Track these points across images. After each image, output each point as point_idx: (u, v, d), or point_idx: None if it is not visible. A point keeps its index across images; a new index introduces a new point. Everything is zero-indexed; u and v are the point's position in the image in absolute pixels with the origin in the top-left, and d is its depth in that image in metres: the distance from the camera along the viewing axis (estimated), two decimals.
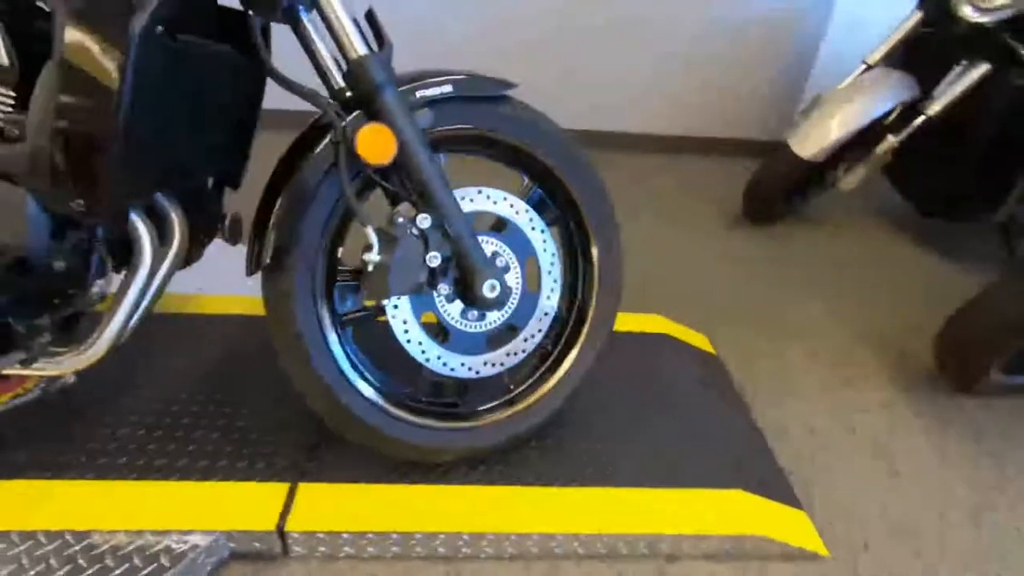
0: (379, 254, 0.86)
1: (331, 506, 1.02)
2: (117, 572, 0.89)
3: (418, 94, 0.91)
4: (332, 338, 0.96)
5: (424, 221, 0.91)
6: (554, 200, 1.10)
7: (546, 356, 1.17)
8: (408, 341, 0.99)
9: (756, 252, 2.24)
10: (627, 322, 1.57)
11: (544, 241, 1.06)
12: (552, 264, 1.08)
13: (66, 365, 0.92)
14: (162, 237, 0.92)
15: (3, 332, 0.92)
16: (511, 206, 1.03)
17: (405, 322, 0.98)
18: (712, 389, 1.43)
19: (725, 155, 3.15)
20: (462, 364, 1.04)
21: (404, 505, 1.04)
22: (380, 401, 1.00)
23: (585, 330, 1.13)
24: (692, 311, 1.81)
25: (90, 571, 0.89)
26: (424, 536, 1.01)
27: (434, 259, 0.93)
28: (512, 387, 1.14)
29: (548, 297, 1.08)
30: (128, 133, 0.73)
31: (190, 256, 1.04)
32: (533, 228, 1.05)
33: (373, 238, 0.86)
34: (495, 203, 1.02)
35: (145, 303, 0.96)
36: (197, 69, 0.83)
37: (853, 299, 1.98)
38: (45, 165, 0.73)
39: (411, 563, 1.02)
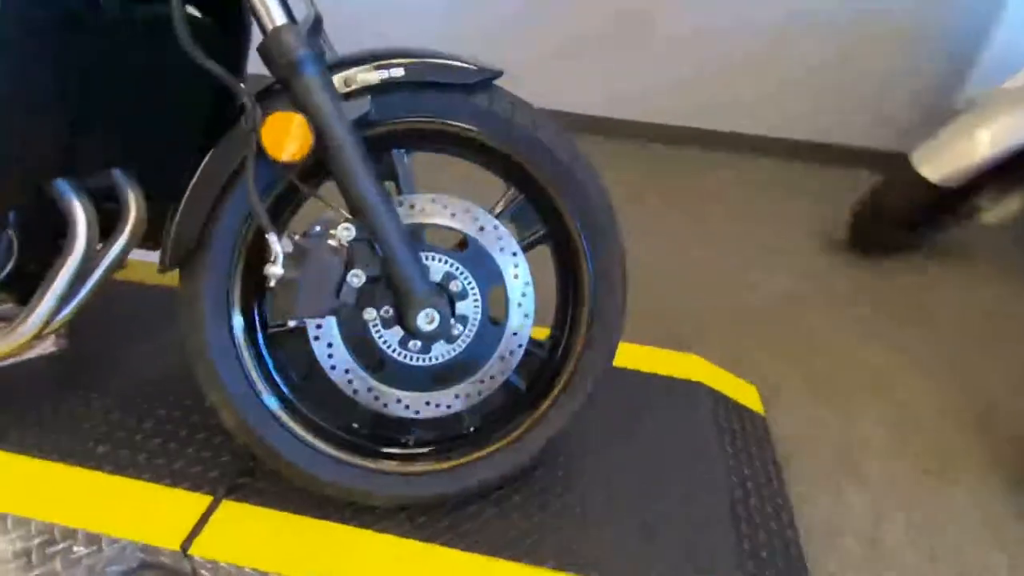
0: (284, 268, 0.72)
1: (246, 534, 0.92)
2: (11, 566, 0.85)
3: (359, 78, 0.76)
4: (246, 352, 0.84)
5: (346, 232, 0.76)
6: (541, 212, 0.90)
7: (518, 396, 0.98)
8: (332, 368, 0.85)
9: (852, 290, 1.84)
10: (656, 360, 1.33)
11: (516, 266, 0.87)
12: (524, 295, 0.88)
13: None
14: (118, 217, 0.86)
15: None
16: (475, 220, 0.84)
17: (330, 345, 0.84)
18: (743, 462, 1.15)
19: (848, 166, 2.67)
20: (398, 401, 0.88)
21: (328, 548, 0.91)
22: (296, 428, 0.87)
23: (569, 368, 0.93)
24: (751, 355, 1.51)
25: None
26: None
27: (356, 278, 0.77)
28: (471, 428, 0.97)
29: (515, 332, 0.89)
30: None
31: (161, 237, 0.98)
32: (502, 249, 0.86)
33: (276, 248, 0.72)
34: (453, 215, 0.84)
35: (87, 287, 0.90)
36: (112, 31, 0.73)
37: (971, 367, 1.55)
38: None
39: None
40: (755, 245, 2.03)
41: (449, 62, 0.79)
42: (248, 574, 0.89)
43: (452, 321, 0.84)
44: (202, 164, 0.77)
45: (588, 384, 0.93)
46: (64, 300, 0.89)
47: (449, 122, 0.80)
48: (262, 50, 0.70)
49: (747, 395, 1.35)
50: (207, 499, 0.96)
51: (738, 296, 1.75)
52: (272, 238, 0.72)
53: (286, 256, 0.72)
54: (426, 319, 0.79)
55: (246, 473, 1.01)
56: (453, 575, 0.89)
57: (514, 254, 0.86)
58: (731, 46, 2.58)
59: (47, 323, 0.90)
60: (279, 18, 0.69)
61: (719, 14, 2.53)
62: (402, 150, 0.87)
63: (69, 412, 1.09)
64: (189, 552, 0.90)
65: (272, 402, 0.87)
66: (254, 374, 0.85)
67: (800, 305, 1.74)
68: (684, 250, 1.96)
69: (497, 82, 0.83)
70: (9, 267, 0.83)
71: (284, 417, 0.87)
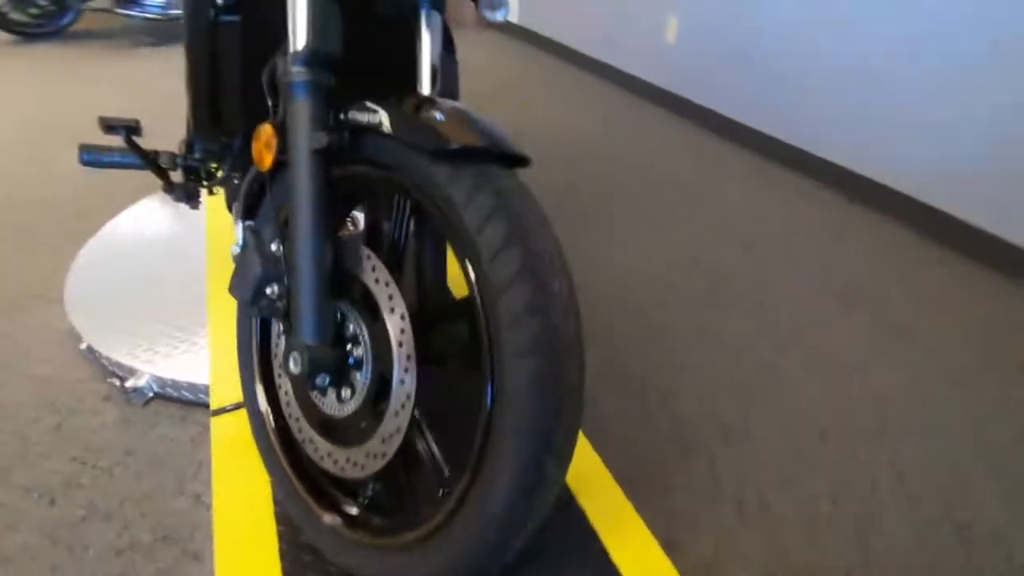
0: (237, 249, 0.82)
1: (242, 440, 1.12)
2: None
3: (351, 114, 0.74)
4: (253, 320, 0.98)
5: (275, 245, 0.78)
6: None
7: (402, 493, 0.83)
8: (275, 355, 0.92)
9: None
10: None
11: (406, 370, 0.71)
12: (403, 406, 0.72)
13: None
14: None
15: None
16: (389, 299, 0.72)
17: (279, 336, 0.91)
18: None
19: None
20: (296, 420, 0.88)
21: (255, 512, 0.99)
22: (268, 414, 0.96)
23: (459, 490, 0.70)
24: None
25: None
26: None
27: (271, 290, 0.80)
28: (363, 500, 0.88)
29: (384, 440, 0.74)
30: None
31: None
32: (400, 344, 0.71)
33: (238, 234, 0.82)
34: (376, 281, 0.74)
35: None
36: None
37: None
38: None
39: None
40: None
41: (436, 126, 0.67)
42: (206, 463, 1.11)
43: (326, 379, 0.77)
44: None
45: (492, 522, 0.67)
46: None
47: (396, 179, 0.70)
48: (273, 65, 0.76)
49: None
50: None
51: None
52: (237, 224, 0.82)
53: (243, 241, 0.82)
54: (293, 361, 0.76)
55: None
56: None
57: (408, 357, 0.71)
58: None
59: None
60: (301, 39, 0.74)
61: None
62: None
63: None
64: (212, 418, 1.18)
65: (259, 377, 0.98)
66: (252, 345, 0.98)
67: None
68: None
69: None
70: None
71: (261, 397, 0.98)
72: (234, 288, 0.82)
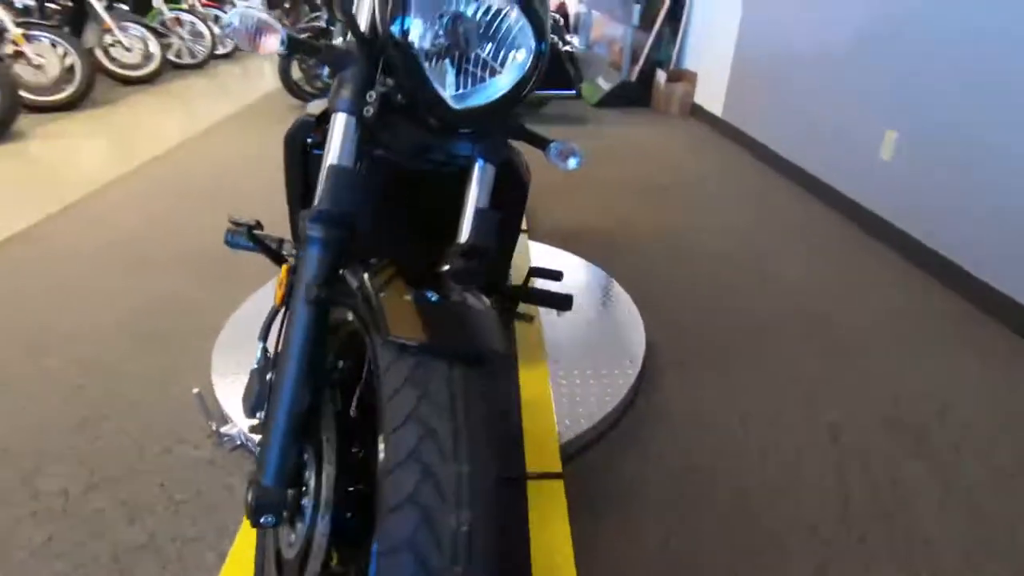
0: (253, 368, 0.89)
1: None
2: None
3: (345, 273, 0.75)
4: None
5: (270, 376, 0.82)
6: None
7: None
8: None
9: None
10: None
11: (322, 535, 0.68)
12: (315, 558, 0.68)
13: None
14: None
15: None
16: (329, 463, 0.70)
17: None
18: None
19: None
20: (271, 539, 0.90)
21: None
22: None
23: None
24: None
25: None
26: None
27: (259, 413, 0.84)
28: None
29: None
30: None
31: None
32: (323, 516, 0.68)
33: (257, 352, 0.89)
34: (327, 435, 0.72)
35: None
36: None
37: None
38: None
39: None
40: None
41: (392, 310, 0.65)
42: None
43: (271, 520, 0.77)
44: None
45: None
46: None
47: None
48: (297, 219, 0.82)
49: None
50: None
51: None
52: (259, 344, 0.89)
53: (256, 362, 0.89)
54: (251, 495, 0.78)
55: None
56: None
57: (323, 535, 0.68)
58: None
59: None
60: (319, 199, 0.78)
61: None
62: None
63: None
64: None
65: None
66: None
67: None
68: None
69: None
70: None
71: None
72: (242, 401, 0.89)
